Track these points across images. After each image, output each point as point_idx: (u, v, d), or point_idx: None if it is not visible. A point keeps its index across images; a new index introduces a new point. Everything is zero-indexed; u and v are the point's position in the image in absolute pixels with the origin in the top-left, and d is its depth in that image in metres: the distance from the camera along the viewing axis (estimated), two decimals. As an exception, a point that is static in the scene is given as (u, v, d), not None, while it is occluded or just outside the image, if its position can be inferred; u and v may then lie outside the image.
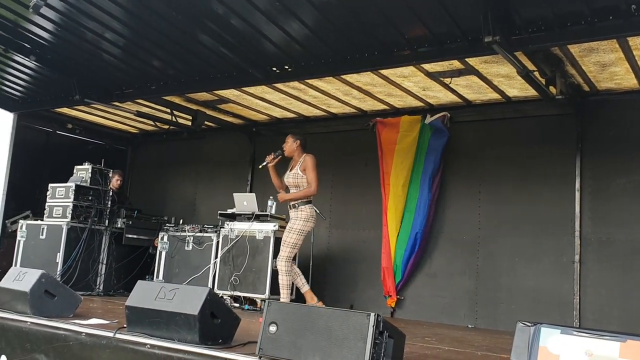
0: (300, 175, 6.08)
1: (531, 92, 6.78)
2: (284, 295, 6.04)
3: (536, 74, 5.92)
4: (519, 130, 7.45)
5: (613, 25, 4.85)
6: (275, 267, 6.20)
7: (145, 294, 4.04)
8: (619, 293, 6.49)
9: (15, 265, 7.76)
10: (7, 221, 8.81)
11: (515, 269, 7.12)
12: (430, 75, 6.61)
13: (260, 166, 6.32)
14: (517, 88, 6.85)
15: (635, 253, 6.46)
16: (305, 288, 6.20)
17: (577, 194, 6.84)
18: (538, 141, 7.27)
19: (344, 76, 6.82)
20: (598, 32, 4.94)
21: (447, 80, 6.73)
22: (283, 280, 6.05)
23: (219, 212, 7.85)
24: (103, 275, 8.00)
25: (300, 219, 6.02)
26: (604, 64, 5.97)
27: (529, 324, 2.97)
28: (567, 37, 5.10)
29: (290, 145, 6.26)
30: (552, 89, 6.17)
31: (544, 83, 6.10)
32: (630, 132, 6.72)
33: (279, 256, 6.06)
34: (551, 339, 2.87)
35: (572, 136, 7.00)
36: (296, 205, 6.05)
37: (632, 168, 6.62)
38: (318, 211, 7.64)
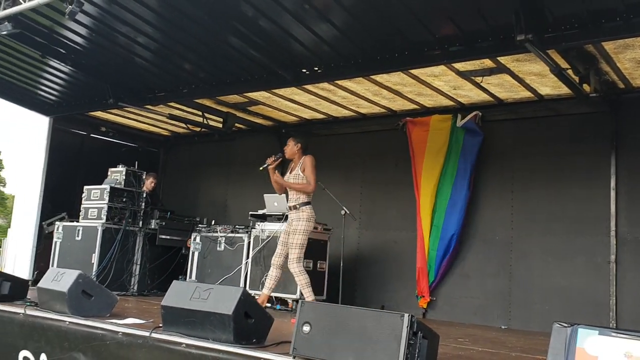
0: (301, 176, 6.14)
1: (564, 90, 6.68)
2: (308, 294, 6.05)
3: (569, 71, 5.84)
4: (552, 129, 7.34)
5: (650, 21, 4.75)
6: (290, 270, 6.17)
7: (180, 294, 4.09)
8: (656, 294, 6.35)
9: (52, 266, 7.93)
10: (43, 223, 9.01)
11: (549, 269, 7.02)
12: (461, 74, 6.57)
13: (260, 168, 6.30)
14: (550, 86, 6.76)
15: (674, 253, 6.32)
16: (266, 292, 6.29)
17: (613, 193, 6.72)
18: (572, 140, 7.16)
19: (373, 76, 6.81)
20: (633, 28, 4.84)
21: (478, 79, 6.68)
22: (302, 280, 6.07)
23: (250, 212, 7.91)
24: (137, 276, 8.13)
25: (302, 219, 6.08)
26: (640, 61, 5.86)
27: (566, 325, 2.92)
28: (601, 34, 5.02)
29: (292, 148, 6.31)
30: (585, 86, 6.07)
31: (577, 81, 6.00)
32: (667, 129, 6.58)
33: (290, 259, 6.07)
34: (589, 340, 2.83)
35: (606, 134, 6.87)
36: (297, 206, 6.11)
37: (670, 166, 6.48)
38: (348, 212, 7.70)
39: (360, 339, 3.23)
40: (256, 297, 7.09)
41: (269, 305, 7.17)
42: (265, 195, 7.73)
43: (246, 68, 6.96)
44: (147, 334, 4.05)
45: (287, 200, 6.27)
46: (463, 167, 7.58)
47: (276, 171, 6.29)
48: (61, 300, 4.87)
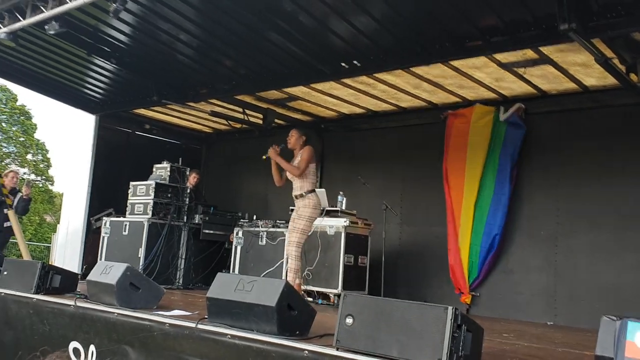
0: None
1: (610, 80, 6.50)
2: (291, 278, 6.00)
3: (615, 61, 5.67)
4: (598, 121, 7.15)
5: (701, 5, 4.59)
6: (290, 253, 6.17)
7: (225, 286, 4.16)
8: None
9: (100, 260, 8.14)
10: (91, 218, 9.26)
11: (596, 265, 6.85)
12: (503, 65, 6.47)
13: (263, 157, 6.28)
14: (595, 77, 6.59)
15: None
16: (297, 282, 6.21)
17: (664, 186, 6.52)
18: (618, 132, 6.95)
19: (413, 69, 6.77)
20: (684, 13, 4.69)
21: (521, 71, 6.57)
22: (293, 264, 6.05)
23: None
24: (182, 270, 8.28)
25: (308, 206, 6.10)
26: (692, 48, 5.66)
27: (615, 318, 2.87)
28: (649, 20, 4.87)
29: (297, 139, 6.29)
30: (633, 76, 5.89)
31: (624, 71, 5.83)
32: None
33: (289, 242, 6.12)
34: (639, 333, 2.77)
35: (655, 125, 6.67)
36: (303, 194, 6.13)
37: None
38: (389, 206, 7.68)
39: (404, 332, 3.22)
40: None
41: (310, 299, 7.23)
42: (305, 190, 7.76)
43: (285, 63, 7.00)
44: (193, 325, 4.12)
45: (293, 190, 6.25)
46: (505, 161, 7.45)
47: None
48: (110, 292, 5.00)
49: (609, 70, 5.79)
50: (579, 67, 6.33)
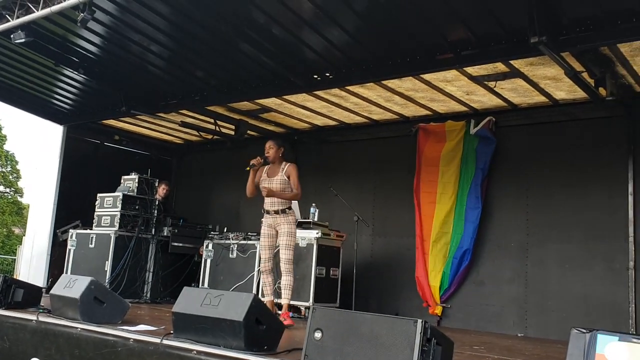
0: (286, 181, 6.05)
1: (579, 94, 6.60)
2: (288, 295, 5.97)
3: (585, 75, 5.76)
4: (567, 134, 7.24)
5: (667, 22, 4.68)
6: (284, 270, 6.02)
7: (191, 300, 4.06)
8: (677, 301, 6.22)
9: (66, 273, 7.94)
10: (57, 230, 9.05)
11: (566, 276, 6.90)
12: (474, 79, 6.51)
13: (247, 168, 6.12)
14: (565, 90, 6.68)
15: (694, 259, 6.19)
16: (267, 298, 6.14)
17: (631, 198, 6.59)
18: (587, 144, 7.05)
19: (385, 82, 6.78)
20: (650, 29, 4.76)
21: (491, 84, 6.61)
22: (290, 280, 5.96)
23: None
24: (150, 283, 8.14)
25: (291, 222, 6.05)
26: (657, 63, 5.77)
27: (584, 331, 2.85)
28: (617, 35, 4.94)
29: (276, 151, 6.16)
30: (601, 90, 5.99)
31: (593, 84, 5.92)
32: (685, 133, 6.47)
33: (286, 260, 5.97)
34: (609, 346, 2.75)
35: (623, 139, 6.76)
36: (285, 210, 6.03)
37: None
38: (361, 218, 7.65)
39: (373, 346, 3.16)
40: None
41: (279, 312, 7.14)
42: (277, 202, 7.69)
43: (258, 74, 6.95)
44: (158, 340, 4.02)
45: (268, 204, 6.09)
46: (477, 175, 7.50)
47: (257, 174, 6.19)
48: (73, 306, 4.86)
49: (578, 83, 5.87)
50: (549, 80, 6.40)
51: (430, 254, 7.63)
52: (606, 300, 6.58)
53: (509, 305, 7.24)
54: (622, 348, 2.74)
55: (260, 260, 6.22)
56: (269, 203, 6.09)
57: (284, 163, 6.15)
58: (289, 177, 6.06)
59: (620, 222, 6.61)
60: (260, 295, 6.91)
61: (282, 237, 6.02)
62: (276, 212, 6.04)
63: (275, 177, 6.09)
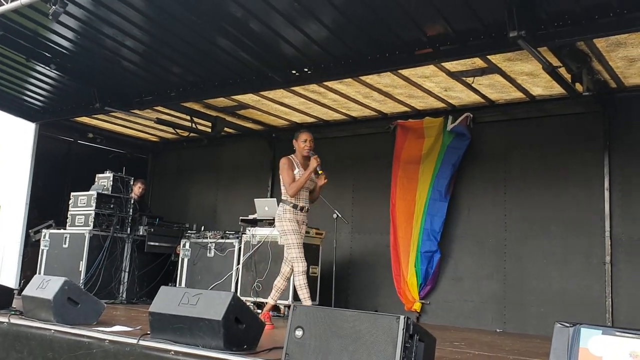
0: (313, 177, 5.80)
1: (556, 90, 6.63)
2: (307, 295, 5.59)
3: (562, 70, 5.78)
4: (544, 130, 7.28)
5: (643, 16, 4.71)
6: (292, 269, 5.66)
7: (168, 300, 3.97)
8: (652, 294, 6.29)
9: (39, 274, 7.77)
10: (30, 231, 8.85)
11: (544, 271, 6.94)
12: (452, 75, 6.50)
13: (323, 175, 5.81)
14: (542, 86, 6.71)
15: (669, 253, 6.27)
16: (272, 301, 5.85)
17: (607, 193, 6.65)
18: (564, 140, 7.10)
19: (364, 78, 6.73)
20: (627, 24, 4.78)
21: (469, 80, 6.61)
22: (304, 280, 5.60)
23: (240, 217, 7.79)
24: (126, 283, 8.02)
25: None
26: (632, 59, 5.81)
27: (568, 325, 2.84)
28: (594, 30, 4.96)
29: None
30: (578, 86, 6.01)
31: (569, 80, 5.95)
32: (659, 128, 6.54)
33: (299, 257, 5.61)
34: (592, 339, 2.74)
35: (599, 134, 6.81)
36: (309, 209, 5.82)
37: (663, 165, 6.44)
38: (340, 215, 7.61)
39: (355, 343, 3.12)
40: (248, 305, 7.03)
41: (260, 311, 7.07)
42: (255, 199, 7.64)
43: (235, 70, 6.86)
44: (134, 341, 3.92)
45: (305, 201, 5.75)
46: (446, 169, 7.51)
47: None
48: (46, 308, 4.74)
49: (555, 78, 5.90)
50: (526, 76, 6.42)
51: (405, 252, 7.62)
52: (583, 295, 6.64)
53: (487, 301, 7.26)
54: (606, 341, 2.73)
55: (300, 261, 5.55)
56: (307, 200, 5.80)
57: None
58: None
59: (597, 218, 6.66)
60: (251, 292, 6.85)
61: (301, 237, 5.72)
62: (307, 210, 5.81)
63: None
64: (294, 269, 5.54)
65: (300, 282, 5.48)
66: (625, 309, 6.39)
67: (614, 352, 2.69)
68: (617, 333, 2.72)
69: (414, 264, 7.53)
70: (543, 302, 6.84)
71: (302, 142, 5.85)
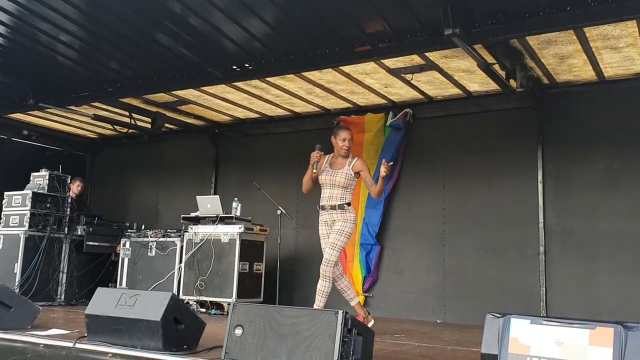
0: (351, 176, 5.46)
1: (491, 86, 6.83)
2: (321, 303, 5.22)
3: (496, 67, 5.95)
4: (481, 125, 7.49)
5: (570, 16, 4.89)
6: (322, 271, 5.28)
7: (105, 302, 3.90)
8: (583, 282, 6.57)
9: (-29, 278, 7.47)
10: (-39, 233, 8.48)
11: (481, 262, 7.15)
12: (391, 71, 6.59)
13: (315, 171, 5.56)
14: (478, 83, 6.89)
15: (598, 242, 6.55)
16: (354, 301, 5.53)
17: (540, 186, 6.90)
18: (500, 135, 7.32)
19: (305, 74, 6.75)
20: (556, 22, 4.97)
21: (408, 77, 6.73)
22: (325, 287, 5.23)
23: (182, 215, 7.69)
24: (64, 285, 7.79)
25: (350, 221, 5.36)
26: (562, 56, 6.04)
27: (498, 315, 2.94)
28: (526, 28, 5.12)
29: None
30: (512, 82, 6.20)
31: (504, 76, 6.13)
32: (589, 123, 6.82)
33: (326, 260, 5.24)
34: (521, 329, 2.85)
35: (533, 129, 7.06)
36: (344, 206, 5.36)
37: (592, 158, 6.72)
38: (284, 211, 7.62)
39: (295, 339, 3.15)
40: (191, 304, 6.97)
41: (203, 310, 7.01)
42: (197, 197, 7.54)
43: (175, 65, 6.74)
44: (70, 344, 3.83)
45: (327, 199, 5.44)
46: (378, 164, 7.60)
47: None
48: (-23, 313, 4.55)
49: (490, 75, 6.06)
50: (463, 73, 6.58)
51: (354, 245, 7.69)
52: (519, 285, 6.87)
53: (428, 292, 7.43)
54: (534, 330, 2.84)
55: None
56: (328, 197, 5.44)
57: (350, 157, 5.55)
58: (357, 173, 5.45)
59: (531, 209, 6.91)
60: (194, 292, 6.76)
61: (333, 235, 5.33)
62: (332, 208, 5.39)
63: (341, 170, 5.47)
64: None
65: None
66: (558, 298, 6.66)
67: (541, 340, 2.80)
68: (544, 322, 2.84)
69: (358, 258, 7.62)
70: (480, 292, 7.05)
71: (341, 141, 5.57)
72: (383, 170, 5.06)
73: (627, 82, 6.61)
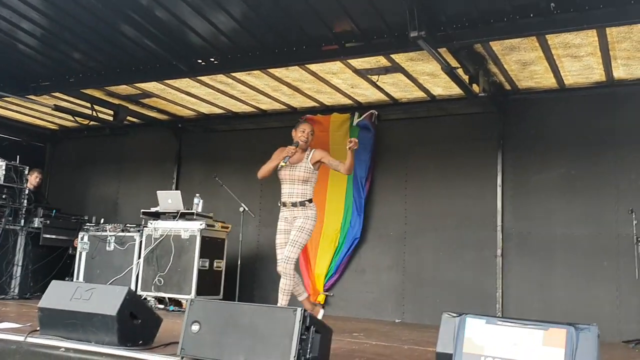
0: (311, 169, 5.37)
1: (455, 90, 6.91)
2: (284, 301, 5.13)
3: (460, 71, 6.03)
4: (444, 128, 7.59)
5: (533, 23, 5.01)
6: (280, 270, 5.19)
7: (60, 295, 3.82)
8: (538, 285, 6.72)
9: None
10: None
11: (440, 263, 7.25)
12: (358, 72, 6.62)
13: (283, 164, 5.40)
14: (442, 87, 6.97)
15: (554, 246, 6.71)
16: (303, 296, 5.44)
17: (499, 190, 7.04)
18: (462, 139, 7.43)
19: (272, 71, 6.73)
20: (519, 29, 5.08)
21: (374, 78, 6.76)
22: (288, 285, 5.14)
23: (142, 210, 7.57)
24: (18, 278, 7.60)
25: (311, 218, 5.28)
26: (525, 63, 6.15)
27: (455, 315, 2.98)
28: (489, 33, 5.22)
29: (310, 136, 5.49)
30: (475, 87, 6.30)
31: (467, 81, 6.23)
32: (548, 129, 6.98)
33: (287, 258, 5.13)
34: (476, 329, 2.89)
35: (494, 134, 7.18)
36: (305, 202, 5.28)
37: (550, 164, 6.88)
38: (247, 208, 7.58)
39: (252, 336, 3.14)
40: (149, 300, 6.88)
41: (161, 306, 6.93)
42: (158, 192, 7.45)
43: (139, 57, 6.65)
44: (21, 338, 3.73)
45: (287, 195, 5.35)
46: (360, 167, 7.64)
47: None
48: None
49: (453, 79, 6.14)
50: (427, 76, 6.65)
51: (319, 244, 7.70)
52: (476, 286, 6.99)
53: (387, 292, 7.49)
54: (489, 330, 2.89)
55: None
56: (288, 194, 5.34)
57: (308, 149, 5.45)
58: (317, 163, 5.36)
59: (490, 212, 7.03)
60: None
61: (294, 232, 5.22)
62: (293, 205, 5.28)
63: (299, 164, 5.37)
64: None
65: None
66: (514, 300, 6.80)
67: (496, 340, 2.85)
68: (499, 322, 2.89)
69: (332, 258, 7.64)
70: (438, 292, 7.15)
71: (300, 132, 5.50)
72: (353, 144, 4.97)
73: (586, 90, 6.79)
